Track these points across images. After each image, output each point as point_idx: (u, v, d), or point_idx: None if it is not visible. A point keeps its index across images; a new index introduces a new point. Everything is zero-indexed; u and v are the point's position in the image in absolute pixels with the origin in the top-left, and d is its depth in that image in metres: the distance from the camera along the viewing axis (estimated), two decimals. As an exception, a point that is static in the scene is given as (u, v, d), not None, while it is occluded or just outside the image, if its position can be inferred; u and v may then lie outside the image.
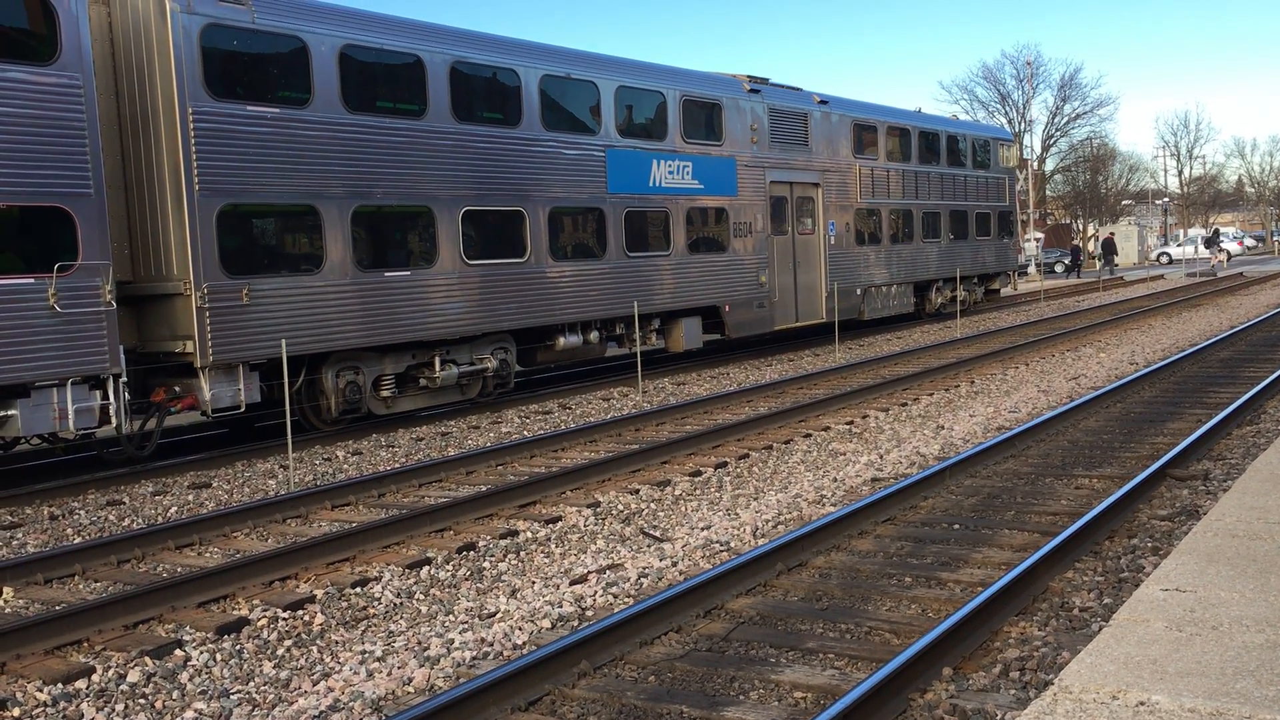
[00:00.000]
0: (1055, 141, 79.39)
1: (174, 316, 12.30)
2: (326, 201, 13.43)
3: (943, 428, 12.99)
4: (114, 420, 11.27)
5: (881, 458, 11.39)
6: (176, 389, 12.40)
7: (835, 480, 10.38)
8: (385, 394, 14.48)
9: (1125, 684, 3.83)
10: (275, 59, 13.11)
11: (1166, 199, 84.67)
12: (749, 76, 21.38)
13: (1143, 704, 3.65)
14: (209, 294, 12.17)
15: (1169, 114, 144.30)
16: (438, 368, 14.96)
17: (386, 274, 14.13)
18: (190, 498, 11.04)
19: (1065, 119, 78.31)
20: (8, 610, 7.62)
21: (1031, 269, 51.56)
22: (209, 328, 12.16)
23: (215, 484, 11.61)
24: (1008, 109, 76.10)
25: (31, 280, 10.60)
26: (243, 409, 12.74)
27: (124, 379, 11.36)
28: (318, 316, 13.30)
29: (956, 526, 8.41)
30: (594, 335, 17.47)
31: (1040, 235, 67.82)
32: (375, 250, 14.11)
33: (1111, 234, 58.52)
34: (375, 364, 14.31)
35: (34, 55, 10.70)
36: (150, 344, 12.52)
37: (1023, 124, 74.50)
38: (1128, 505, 8.41)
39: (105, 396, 11.19)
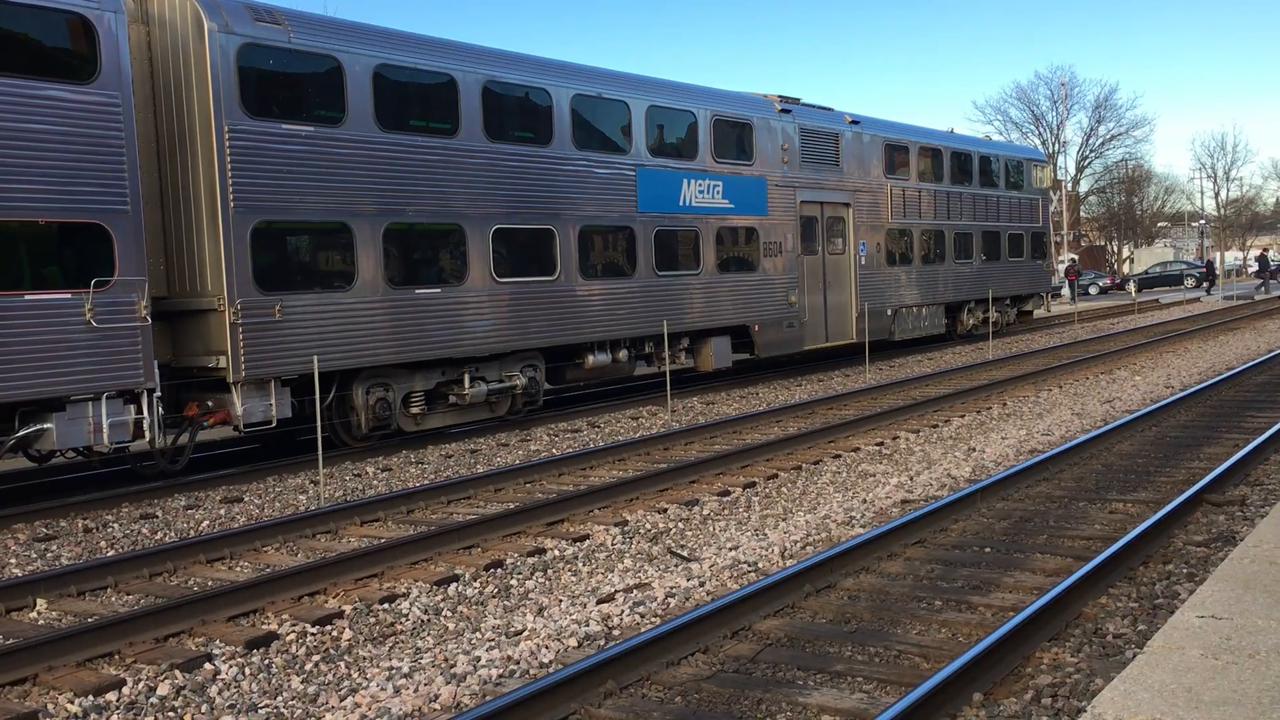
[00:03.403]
0: (1090, 163, 79.06)
1: (208, 332, 12.42)
2: (359, 219, 13.53)
3: (974, 450, 12.89)
4: (147, 434, 11.38)
5: (912, 479, 11.31)
6: (209, 404, 12.50)
7: (865, 502, 10.32)
8: (415, 411, 14.53)
9: (1160, 712, 3.77)
10: (310, 78, 13.26)
11: (1203, 221, 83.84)
12: (780, 96, 21.41)
13: (1177, 733, 3.60)
14: (242, 310, 12.28)
15: (1205, 135, 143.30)
16: (467, 385, 15.01)
17: (417, 291, 14.21)
18: (222, 512, 11.12)
19: (1100, 140, 78.01)
20: (41, 622, 7.69)
21: (1065, 291, 51.13)
22: (242, 343, 12.27)
23: (247, 498, 11.70)
24: (1041, 130, 75.90)
25: (69, 295, 10.74)
26: (274, 424, 12.83)
27: (158, 393, 11.47)
28: (349, 333, 13.39)
29: (988, 550, 8.32)
30: (623, 354, 17.48)
31: (1074, 257, 67.34)
32: (406, 268, 14.20)
33: (1265, 249, 58.04)
34: (405, 381, 14.38)
35: (74, 74, 10.87)
36: (184, 359, 12.65)
37: (1057, 145, 74.20)
38: (1163, 530, 8.30)
39: (139, 411, 11.30)
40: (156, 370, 11.43)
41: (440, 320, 14.45)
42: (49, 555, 9.60)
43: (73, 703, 6.05)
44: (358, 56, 13.55)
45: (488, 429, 15.75)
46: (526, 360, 15.99)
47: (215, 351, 12.33)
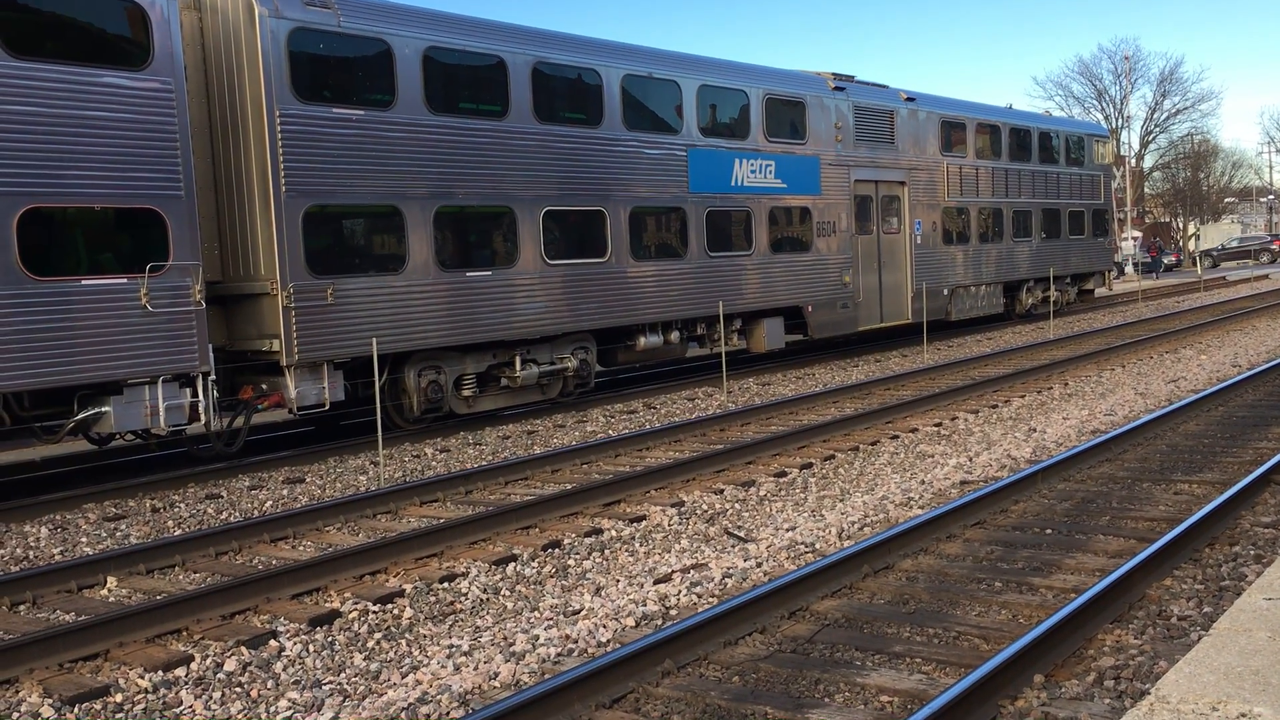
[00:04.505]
0: (1154, 138, 77.24)
1: (261, 316, 12.57)
2: (409, 202, 13.60)
3: (1035, 430, 12.72)
4: (203, 417, 11.53)
5: (971, 460, 11.19)
6: (263, 387, 12.65)
7: (923, 482, 10.24)
8: (466, 393, 14.60)
9: (1226, 695, 3.71)
10: (360, 62, 13.31)
11: (1271, 196, 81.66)
12: (834, 74, 21.18)
13: (1244, 716, 3.54)
14: (295, 294, 12.41)
15: (1275, 108, 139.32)
16: (518, 367, 15.06)
17: (468, 274, 14.26)
18: (284, 492, 11.32)
19: (1165, 115, 76.13)
20: (111, 599, 7.90)
21: (1129, 269, 50.11)
22: (295, 327, 12.39)
23: (308, 479, 11.89)
24: (1104, 105, 74.20)
25: (125, 280, 10.90)
26: (327, 407, 12.97)
27: (213, 377, 11.60)
28: (400, 316, 13.47)
29: (1049, 531, 8.23)
30: (675, 335, 17.44)
31: (1139, 234, 66.02)
32: (457, 250, 14.25)
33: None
34: (456, 363, 14.45)
35: (128, 61, 10.99)
36: (238, 342, 12.81)
37: (1120, 120, 72.56)
38: (1229, 511, 8.14)
39: (195, 394, 11.43)
40: (211, 354, 11.57)
41: (491, 302, 14.51)
42: (118, 534, 9.84)
43: (143, 678, 6.21)
44: (407, 39, 13.59)
45: (544, 410, 15.83)
46: (578, 342, 16.02)
47: (268, 335, 12.49)
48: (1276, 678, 3.83)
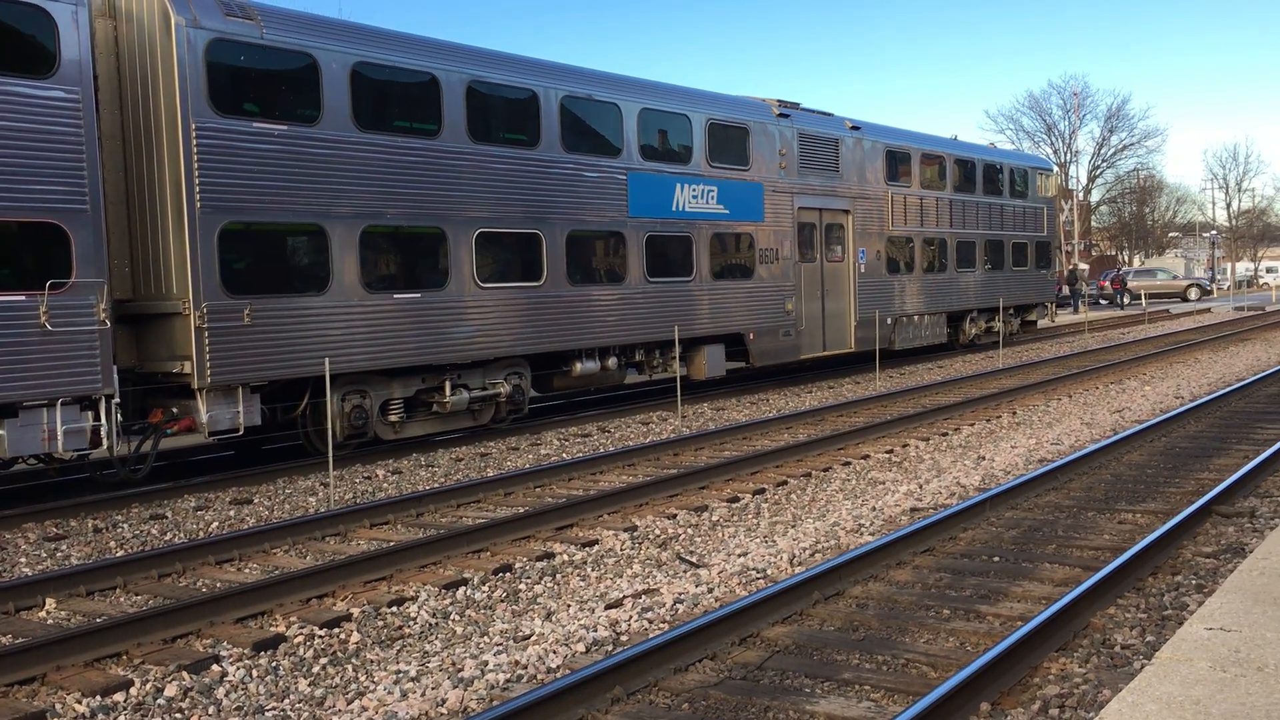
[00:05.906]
0: (1101, 173, 78.90)
1: (172, 336, 12.09)
2: (334, 221, 13.21)
3: (984, 458, 12.87)
4: (105, 442, 11.04)
5: (921, 487, 11.29)
6: (174, 410, 12.16)
7: (874, 509, 10.31)
8: (393, 418, 14.20)
9: (1168, 724, 3.76)
10: (284, 75, 12.93)
11: (1214, 232, 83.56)
12: (779, 100, 21.26)
13: (1186, 745, 3.59)
14: (208, 314, 11.93)
15: (1217, 146, 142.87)
16: (448, 392, 14.70)
17: (396, 296, 13.87)
18: (231, 513, 11.15)
19: (1112, 150, 77.86)
20: (50, 621, 7.71)
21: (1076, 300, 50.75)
22: (208, 348, 11.90)
23: (256, 500, 11.72)
24: (1054, 139, 75.70)
25: (23, 297, 10.42)
26: (240, 432, 12.47)
27: (116, 400, 11.12)
28: (323, 338, 13.01)
29: (996, 559, 8.31)
30: (612, 361, 17.20)
31: (1085, 266, 67.14)
32: (385, 271, 13.88)
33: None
34: (383, 388, 14.04)
35: (31, 69, 10.59)
36: (149, 363, 12.30)
37: (1069, 155, 74.04)
38: (1172, 541, 8.28)
39: (97, 417, 10.97)
40: (116, 376, 11.09)
41: (420, 326, 14.11)
42: (59, 555, 9.63)
43: (80, 703, 6.07)
44: (334, 54, 13.22)
45: (498, 433, 15.70)
46: (511, 367, 15.68)
47: (180, 356, 11.98)
48: (1217, 708, 3.89)
